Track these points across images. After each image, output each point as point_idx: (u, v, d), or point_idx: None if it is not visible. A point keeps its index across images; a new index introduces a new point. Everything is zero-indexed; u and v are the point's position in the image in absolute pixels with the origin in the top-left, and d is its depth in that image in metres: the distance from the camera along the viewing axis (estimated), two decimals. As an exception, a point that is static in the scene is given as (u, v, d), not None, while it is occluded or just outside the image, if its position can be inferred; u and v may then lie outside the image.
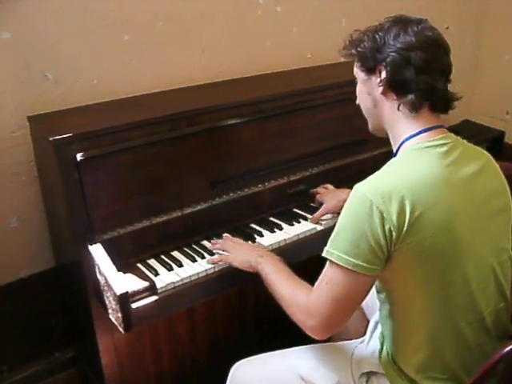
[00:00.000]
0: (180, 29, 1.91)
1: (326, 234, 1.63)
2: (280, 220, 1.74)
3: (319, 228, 1.71)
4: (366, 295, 1.14)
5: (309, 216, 1.75)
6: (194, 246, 1.60)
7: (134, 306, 1.36)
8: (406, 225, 1.05)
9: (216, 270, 1.51)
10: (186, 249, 1.58)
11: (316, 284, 1.18)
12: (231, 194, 1.69)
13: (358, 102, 1.30)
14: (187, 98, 1.80)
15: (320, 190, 1.82)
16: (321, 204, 1.76)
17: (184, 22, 1.91)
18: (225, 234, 1.63)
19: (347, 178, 1.93)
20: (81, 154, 1.40)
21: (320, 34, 2.29)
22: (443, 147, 1.14)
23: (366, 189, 1.09)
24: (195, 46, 1.97)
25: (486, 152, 1.25)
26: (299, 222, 1.73)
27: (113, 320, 1.40)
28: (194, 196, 1.62)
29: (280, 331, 1.99)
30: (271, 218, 1.76)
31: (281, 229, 1.69)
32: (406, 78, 1.13)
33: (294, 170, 1.82)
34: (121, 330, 1.36)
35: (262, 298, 1.94)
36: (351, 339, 1.44)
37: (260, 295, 1.93)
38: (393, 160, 1.18)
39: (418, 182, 1.09)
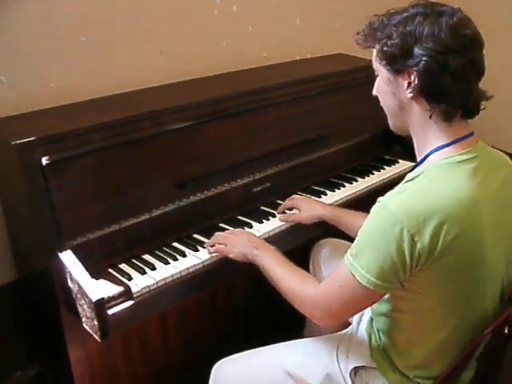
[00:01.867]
0: (137, 30, 1.87)
1: (295, 229, 1.70)
2: (249, 218, 1.73)
3: (288, 224, 1.70)
4: (375, 303, 1.15)
5: (277, 214, 1.75)
6: (164, 248, 1.57)
7: (110, 312, 1.32)
8: (438, 249, 1.01)
9: (190, 271, 1.49)
10: (157, 252, 1.55)
11: (328, 280, 1.16)
12: (198, 195, 1.68)
13: (374, 93, 1.19)
14: (148, 100, 1.77)
15: (294, 196, 1.78)
16: (289, 207, 1.74)
17: (141, 24, 1.88)
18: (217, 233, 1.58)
19: (311, 174, 1.97)
20: (46, 157, 1.35)
21: (275, 33, 2.30)
22: (474, 162, 1.07)
23: (396, 208, 1.02)
24: (153, 47, 1.94)
25: (507, 157, 1.20)
26: (268, 220, 1.73)
27: (87, 329, 1.35)
28: (162, 198, 1.60)
29: (253, 329, 1.99)
30: (240, 217, 1.75)
31: (250, 227, 1.69)
32: (440, 85, 1.03)
33: (259, 168, 1.82)
34: (97, 338, 1.32)
35: (232, 296, 1.94)
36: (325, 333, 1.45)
37: (231, 294, 1.93)
38: (421, 175, 1.08)
39: (453, 204, 1.02)
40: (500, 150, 1.19)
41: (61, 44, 1.70)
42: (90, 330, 1.34)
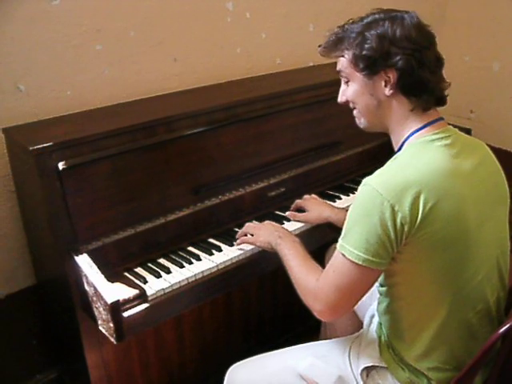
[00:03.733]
0: (151, 38, 1.90)
1: (309, 233, 1.70)
2: (263, 223, 1.74)
3: (303, 229, 1.71)
4: (371, 287, 1.15)
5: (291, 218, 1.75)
6: (180, 252, 1.58)
7: (125, 314, 1.33)
8: (418, 218, 1.05)
9: (205, 275, 1.49)
10: (172, 256, 1.56)
11: (324, 270, 1.18)
12: (213, 199, 1.69)
13: (342, 100, 1.27)
14: (163, 106, 1.79)
15: (306, 196, 1.79)
16: (299, 209, 1.75)
17: (155, 31, 1.90)
18: (247, 223, 1.62)
19: (325, 179, 1.97)
20: (62, 162, 1.38)
21: (289, 40, 2.32)
22: (448, 139, 1.14)
23: (376, 183, 1.08)
24: (167, 54, 1.96)
25: (482, 143, 1.26)
26: (282, 224, 1.73)
27: (104, 331, 1.37)
28: (177, 202, 1.61)
29: (267, 334, 1.99)
30: (254, 221, 1.75)
31: (265, 231, 1.69)
32: (421, 79, 1.12)
33: (273, 173, 1.84)
34: (113, 340, 1.33)
35: (247, 301, 1.94)
36: (339, 337, 1.45)
37: (246, 299, 1.93)
38: (399, 154, 1.18)
39: (429, 174, 1.08)
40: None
41: (77, 53, 1.73)
42: (105, 333, 1.36)
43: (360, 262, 1.08)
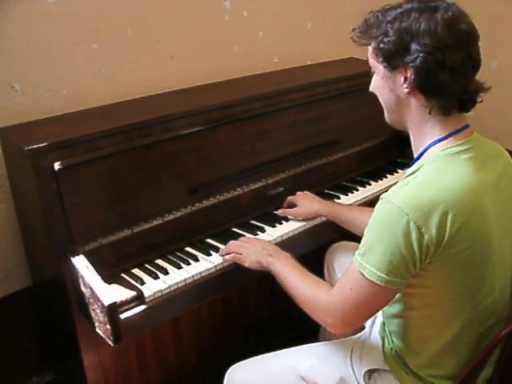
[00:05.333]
0: (148, 36, 1.88)
1: (309, 233, 1.69)
2: (261, 223, 1.72)
3: (302, 228, 1.70)
4: (388, 303, 1.12)
5: (290, 217, 1.74)
6: (177, 253, 1.56)
7: (122, 316, 1.31)
8: (445, 239, 1.01)
9: (203, 275, 1.48)
10: (169, 256, 1.55)
11: (338, 285, 1.15)
12: (211, 199, 1.67)
13: (371, 89, 1.19)
14: (159, 105, 1.77)
15: (298, 193, 1.79)
16: (290, 205, 1.76)
17: (152, 30, 1.89)
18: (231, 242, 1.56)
19: (324, 178, 1.96)
20: (58, 163, 1.36)
21: (286, 38, 2.31)
22: (471, 152, 1.08)
23: (401, 201, 1.02)
24: (164, 53, 1.95)
25: (501, 148, 1.21)
26: (281, 224, 1.72)
27: (101, 333, 1.35)
28: (174, 202, 1.60)
29: (267, 334, 1.98)
30: (252, 221, 1.74)
31: (263, 231, 1.68)
32: (438, 81, 1.03)
33: (271, 172, 1.82)
34: (110, 342, 1.31)
35: (246, 302, 1.93)
36: (339, 338, 1.43)
37: (245, 299, 1.92)
38: (420, 169, 1.09)
39: (456, 192, 1.02)
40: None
41: (73, 52, 1.71)
42: (103, 335, 1.34)
43: (382, 284, 1.04)
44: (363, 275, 1.06)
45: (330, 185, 1.97)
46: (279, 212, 1.74)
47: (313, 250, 1.71)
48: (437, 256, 1.03)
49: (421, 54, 1.02)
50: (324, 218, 1.71)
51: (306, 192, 1.77)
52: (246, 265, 1.44)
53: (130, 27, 1.82)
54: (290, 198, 1.77)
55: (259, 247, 1.44)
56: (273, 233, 1.66)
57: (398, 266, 1.02)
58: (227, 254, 1.50)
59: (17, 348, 1.86)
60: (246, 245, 1.48)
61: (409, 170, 1.12)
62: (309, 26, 2.35)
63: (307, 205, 1.70)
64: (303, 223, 1.71)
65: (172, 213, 1.59)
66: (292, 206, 1.76)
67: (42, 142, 1.36)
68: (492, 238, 1.08)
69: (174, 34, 1.95)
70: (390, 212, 1.03)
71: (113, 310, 1.27)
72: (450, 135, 1.09)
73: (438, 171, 1.06)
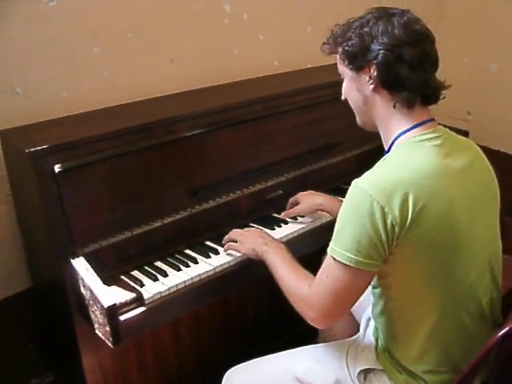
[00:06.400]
0: (149, 39, 1.89)
1: (308, 235, 1.70)
2: (261, 225, 1.73)
3: (301, 231, 1.71)
4: (365, 289, 1.15)
5: (289, 220, 1.75)
6: (177, 255, 1.57)
7: (122, 318, 1.32)
8: (408, 219, 1.05)
9: (202, 278, 1.49)
10: (169, 258, 1.55)
11: (317, 276, 1.18)
12: (210, 202, 1.68)
13: (344, 97, 1.29)
14: (160, 108, 1.78)
15: (299, 193, 1.80)
16: (293, 204, 1.76)
17: (152, 33, 1.90)
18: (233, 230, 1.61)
19: (323, 181, 1.97)
20: (59, 165, 1.37)
21: (286, 42, 2.31)
22: (437, 140, 1.14)
23: (366, 184, 1.08)
24: (164, 56, 1.96)
25: (472, 142, 1.27)
26: (280, 226, 1.73)
27: (100, 335, 1.36)
28: (174, 205, 1.60)
29: (265, 336, 1.98)
30: (252, 224, 1.74)
31: (263, 234, 1.68)
32: (399, 75, 1.12)
33: (271, 175, 1.83)
34: (109, 344, 1.32)
35: (245, 304, 1.93)
36: (338, 340, 1.44)
37: (243, 301, 1.92)
38: (388, 154, 1.18)
39: (419, 174, 1.08)
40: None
41: (74, 54, 1.72)
42: (102, 337, 1.35)
43: (352, 265, 1.08)
44: (334, 259, 1.10)
45: (330, 187, 1.97)
46: (282, 215, 1.74)
47: (311, 253, 1.71)
48: (402, 237, 1.07)
49: (381, 52, 1.12)
50: (324, 220, 1.72)
51: (309, 191, 1.78)
52: (242, 251, 1.48)
53: (130, 30, 1.83)
54: (292, 198, 1.78)
55: (257, 236, 1.48)
56: (272, 235, 1.67)
57: (366, 247, 1.07)
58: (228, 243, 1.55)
59: (17, 349, 1.86)
60: (245, 233, 1.53)
61: (379, 161, 1.19)
62: (309, 29, 2.36)
63: (310, 200, 1.71)
64: (302, 225, 1.72)
65: (172, 215, 1.60)
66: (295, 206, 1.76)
67: (43, 145, 1.37)
68: (460, 223, 1.12)
69: (175, 37, 1.96)
70: (356, 195, 1.09)
71: (112, 312, 1.27)
72: (415, 126, 1.16)
73: (404, 156, 1.14)
